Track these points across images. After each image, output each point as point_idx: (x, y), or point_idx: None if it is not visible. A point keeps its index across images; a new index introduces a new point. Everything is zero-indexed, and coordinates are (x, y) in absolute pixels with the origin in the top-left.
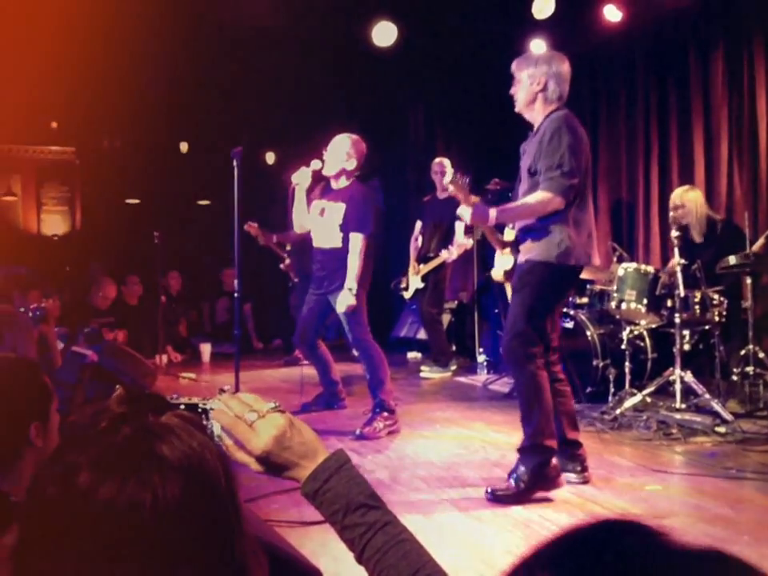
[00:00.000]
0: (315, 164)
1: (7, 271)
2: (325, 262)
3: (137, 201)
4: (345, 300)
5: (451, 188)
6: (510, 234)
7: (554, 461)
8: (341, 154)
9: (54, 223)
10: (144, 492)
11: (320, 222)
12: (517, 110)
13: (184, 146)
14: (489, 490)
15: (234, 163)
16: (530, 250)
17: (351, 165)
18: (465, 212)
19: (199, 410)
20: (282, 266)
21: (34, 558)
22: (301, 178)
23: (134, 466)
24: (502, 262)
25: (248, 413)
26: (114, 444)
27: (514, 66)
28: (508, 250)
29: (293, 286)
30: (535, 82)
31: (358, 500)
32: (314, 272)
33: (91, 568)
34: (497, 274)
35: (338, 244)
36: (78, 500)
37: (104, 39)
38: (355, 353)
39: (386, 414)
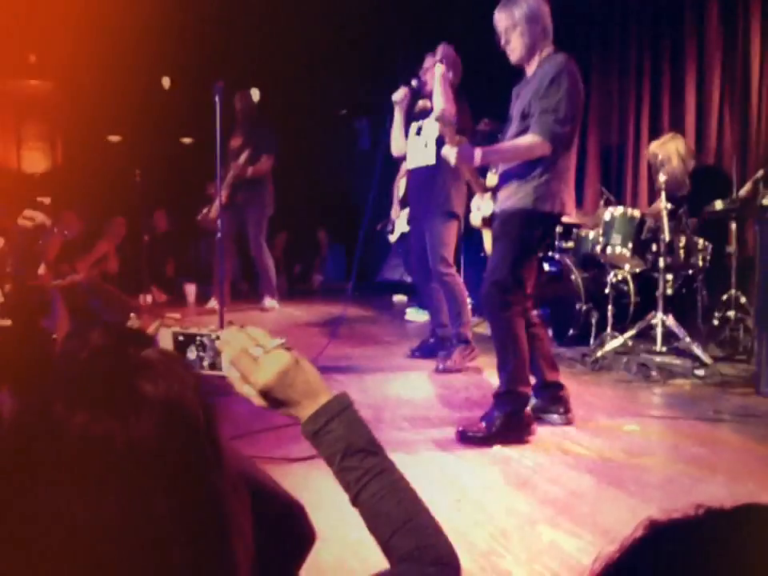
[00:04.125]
0: (414, 83)
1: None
2: (417, 183)
3: (119, 138)
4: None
5: (439, 125)
6: (492, 179)
7: (528, 409)
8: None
9: (35, 160)
10: (116, 424)
11: (415, 140)
12: (513, 62)
13: (166, 82)
14: (459, 429)
15: (216, 99)
16: (508, 198)
17: None
18: (450, 152)
19: (199, 338)
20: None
21: (8, 486)
22: (399, 97)
23: (108, 399)
24: (483, 207)
25: (254, 347)
26: (91, 375)
27: (495, 21)
28: (489, 195)
29: None
30: (515, 32)
31: (357, 444)
32: (409, 198)
33: (64, 498)
34: (475, 219)
35: (432, 161)
36: (53, 430)
37: None
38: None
39: (462, 345)
